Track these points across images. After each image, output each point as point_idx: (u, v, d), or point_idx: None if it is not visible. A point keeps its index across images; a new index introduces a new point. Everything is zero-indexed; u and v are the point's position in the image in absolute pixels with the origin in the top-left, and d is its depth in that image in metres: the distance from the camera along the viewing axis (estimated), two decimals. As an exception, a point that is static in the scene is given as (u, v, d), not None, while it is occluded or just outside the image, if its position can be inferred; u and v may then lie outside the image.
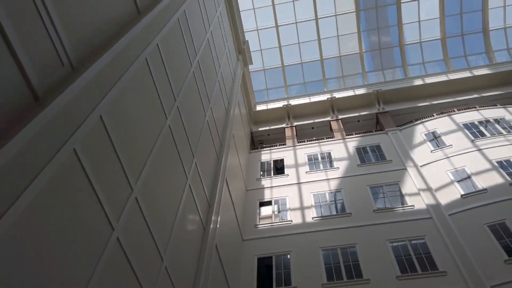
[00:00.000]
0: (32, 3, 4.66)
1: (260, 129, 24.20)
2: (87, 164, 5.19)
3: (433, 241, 14.32)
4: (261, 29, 25.24)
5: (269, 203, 18.09)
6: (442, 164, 17.65)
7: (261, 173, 20.24)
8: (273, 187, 18.88)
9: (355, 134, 21.79)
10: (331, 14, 25.15)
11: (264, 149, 22.08)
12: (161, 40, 9.00)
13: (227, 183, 14.20)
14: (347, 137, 21.55)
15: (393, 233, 15.04)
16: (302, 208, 17.28)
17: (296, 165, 20.14)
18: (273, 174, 19.98)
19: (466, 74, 23.73)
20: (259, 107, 25.01)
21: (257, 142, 24.25)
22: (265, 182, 19.37)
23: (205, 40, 13.84)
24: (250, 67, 24.09)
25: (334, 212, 16.79)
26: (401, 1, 24.83)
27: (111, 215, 5.68)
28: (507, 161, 16.38)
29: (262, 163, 20.92)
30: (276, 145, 22.25)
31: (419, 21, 25.46)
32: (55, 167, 4.42)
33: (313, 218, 16.56)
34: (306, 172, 19.43)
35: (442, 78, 23.82)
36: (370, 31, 26.15)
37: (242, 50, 22.13)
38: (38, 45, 4.72)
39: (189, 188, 9.75)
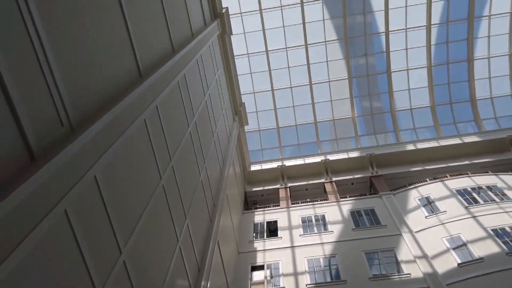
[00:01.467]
0: (37, 63, 4.83)
1: (254, 189, 24.07)
2: (77, 225, 5.05)
3: (432, 313, 13.68)
4: (258, 92, 26.13)
5: (261, 267, 17.44)
6: (437, 231, 17.43)
7: (254, 235, 19.77)
8: (266, 250, 18.34)
9: (349, 197, 21.71)
10: (325, 81, 26.24)
11: (258, 209, 21.78)
12: (161, 102, 9.24)
13: (219, 246, 13.79)
14: (341, 199, 21.43)
15: (390, 303, 14.40)
16: (295, 274, 16.65)
17: (290, 228, 19.76)
18: (266, 237, 19.51)
19: (457, 141, 24.30)
20: (254, 167, 25.09)
21: (250, 202, 23.99)
22: (258, 244, 18.85)
23: (203, 102, 14.23)
24: (246, 127, 24.55)
25: (328, 279, 16.17)
26: (391, 71, 26.10)
27: (96, 280, 5.42)
28: (502, 229, 16.23)
29: (255, 224, 20.52)
30: (270, 206, 22.00)
31: (408, 89, 26.58)
32: (44, 229, 4.29)
33: (307, 285, 15.90)
34: (300, 235, 19.01)
35: (433, 144, 24.34)
36: (362, 97, 27.13)
37: (238, 111, 22.69)
38: (40, 104, 4.81)
39: (179, 251, 9.43)
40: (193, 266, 10.63)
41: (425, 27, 25.25)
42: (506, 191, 18.87)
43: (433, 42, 25.70)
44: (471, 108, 26.50)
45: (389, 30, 25.22)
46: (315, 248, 17.95)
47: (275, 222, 20.52)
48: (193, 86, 12.92)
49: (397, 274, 15.75)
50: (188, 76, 12.35)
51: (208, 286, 11.06)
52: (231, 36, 21.45)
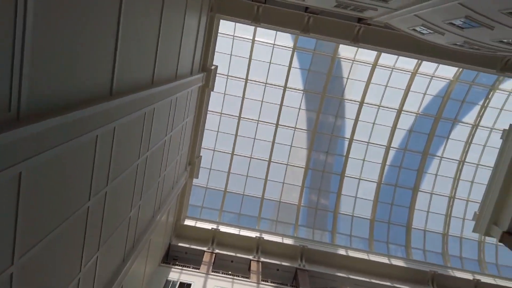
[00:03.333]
0: (12, 45, 4.73)
1: (180, 244, 23.05)
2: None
3: None
4: (218, 151, 26.32)
5: (157, 329, 16.08)
6: None
7: (163, 292, 18.52)
8: (169, 312, 17.08)
9: (271, 282, 21.21)
10: (284, 163, 26.99)
11: (176, 266, 20.68)
12: (120, 125, 9.09)
13: (122, 291, 12.74)
14: (262, 282, 20.88)
15: None
16: None
17: (202, 295, 18.74)
18: (174, 297, 18.31)
19: (384, 260, 25.02)
20: (188, 222, 24.29)
21: (171, 257, 22.80)
22: (163, 303, 17.58)
23: (161, 141, 14.10)
24: (195, 180, 24.21)
25: None
26: (345, 175, 27.39)
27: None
28: None
29: (168, 282, 19.32)
30: (190, 267, 20.98)
31: (355, 197, 27.74)
32: None
33: None
34: (209, 307, 18.00)
35: (363, 256, 24.88)
36: (312, 190, 27.91)
37: (193, 162, 22.55)
38: (-5, 85, 4.62)
39: (77, 282, 8.62)
40: (86, 304, 9.66)
41: (384, 147, 27.24)
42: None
43: (388, 162, 27.59)
44: (405, 234, 27.80)
45: (354, 138, 26.96)
46: (219, 325, 16.94)
47: (189, 285, 19.45)
48: (158, 123, 12.88)
49: None
50: (157, 112, 12.37)
51: (93, 331, 9.99)
52: (212, 92, 22.07)
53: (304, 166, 27.29)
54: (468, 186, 28.08)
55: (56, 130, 5.97)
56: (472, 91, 26.39)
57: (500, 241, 22.15)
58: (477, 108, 27.02)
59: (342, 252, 24.82)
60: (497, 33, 11.91)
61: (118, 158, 9.62)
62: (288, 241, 24.73)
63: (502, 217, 22.22)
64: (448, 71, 25.23)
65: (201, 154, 23.76)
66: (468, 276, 25.03)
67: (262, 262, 23.06)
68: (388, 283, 23.60)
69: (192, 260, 22.63)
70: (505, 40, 12.93)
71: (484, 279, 25.08)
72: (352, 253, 24.91)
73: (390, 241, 27.65)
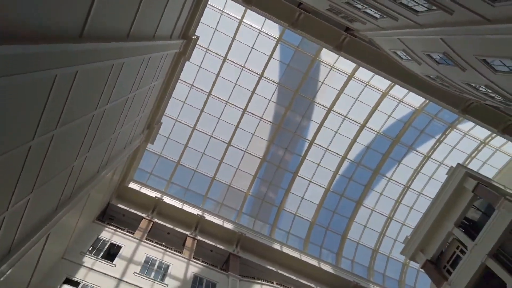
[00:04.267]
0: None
1: (119, 205, 22.60)
2: None
3: None
4: (180, 122, 25.89)
5: (76, 284, 15.75)
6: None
7: (90, 249, 18.12)
8: (92, 270, 16.77)
9: (202, 261, 21.38)
10: (242, 149, 27.07)
11: (110, 226, 20.29)
12: (83, 71, 8.67)
13: (47, 239, 12.34)
14: (193, 259, 20.99)
15: None
16: (106, 308, 15.30)
17: (130, 261, 18.55)
18: (101, 257, 17.97)
19: (315, 262, 25.95)
20: (133, 185, 23.82)
21: (108, 216, 22.33)
22: (88, 260, 17.22)
23: (124, 98, 13.63)
24: (149, 145, 23.71)
25: (134, 329, 15.08)
26: (298, 174, 27.96)
27: None
28: None
29: (98, 240, 18.92)
30: (124, 230, 20.66)
31: (302, 198, 28.44)
32: None
33: (110, 324, 14.63)
34: (134, 273, 17.87)
35: (296, 254, 25.66)
36: (263, 182, 28.27)
37: (152, 127, 22.04)
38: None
39: (1, 220, 8.22)
40: (6, 245, 9.26)
41: (340, 157, 28.03)
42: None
43: (340, 171, 28.46)
44: (339, 242, 28.95)
45: (314, 142, 27.51)
46: (141, 292, 16.89)
47: (119, 247, 19.17)
48: (124, 79, 12.42)
49: None
50: (126, 67, 11.91)
51: (8, 273, 9.62)
52: (187, 62, 21.58)
53: (261, 157, 27.53)
54: (406, 211, 29.63)
55: (7, 59, 5.59)
56: (432, 123, 27.69)
57: (422, 267, 23.67)
58: (432, 141, 28.42)
59: (277, 246, 25.44)
60: (467, 75, 12.51)
61: (74, 105, 9.20)
62: (228, 225, 24.98)
63: (429, 246, 23.70)
64: (415, 100, 26.25)
65: (162, 121, 23.26)
66: (386, 293, 26.57)
67: (198, 240, 23.15)
68: (313, 285, 24.53)
69: (128, 224, 22.30)
70: (472, 84, 13.62)
71: (399, 299, 26.72)
72: (286, 250, 25.59)
73: (324, 246, 28.67)
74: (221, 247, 23.64)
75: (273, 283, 22.20)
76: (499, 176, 27.26)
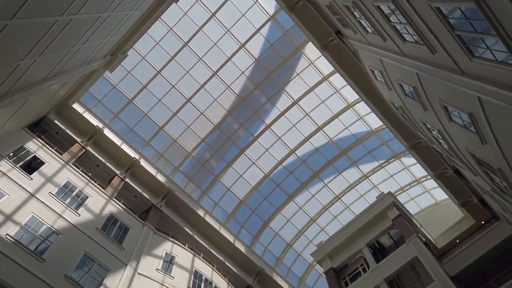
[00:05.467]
0: None
1: (56, 121, 21.41)
2: None
3: None
4: (148, 61, 24.81)
5: (-16, 184, 14.90)
6: (156, 286, 17.88)
7: (11, 154, 17.14)
8: (6, 176, 15.91)
9: (122, 203, 21.05)
10: (200, 110, 26.59)
11: (40, 139, 19.27)
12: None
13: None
14: (115, 199, 20.61)
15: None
16: (10, 217, 14.66)
17: (50, 179, 17.80)
18: (20, 166, 17.06)
19: (231, 238, 26.57)
20: (77, 106, 22.61)
21: (40, 128, 21.11)
22: (4, 165, 16.30)
23: (96, 15, 12.76)
24: (107, 73, 22.53)
25: (33, 247, 14.63)
26: (244, 152, 28.13)
27: None
28: (193, 323, 17.57)
29: (22, 148, 17.93)
30: (53, 148, 19.72)
31: (241, 176, 28.71)
32: None
33: (6, 234, 14.05)
34: (49, 193, 17.21)
35: (216, 225, 26.05)
36: (209, 148, 28.13)
37: (116, 56, 20.93)
38: None
39: None
40: None
41: (289, 150, 28.58)
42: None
43: (284, 163, 29.05)
44: (260, 227, 29.82)
45: (271, 127, 27.75)
46: (49, 213, 16.34)
47: (42, 163, 18.31)
48: (102, -5, 11.59)
49: (90, 291, 15.25)
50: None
51: None
52: (175, 3, 20.64)
53: (215, 124, 27.28)
54: (330, 219, 31.07)
55: None
56: (381, 148, 28.98)
57: (325, 273, 25.12)
58: (375, 164, 29.80)
59: (201, 213, 25.63)
60: (426, 116, 13.13)
61: (39, 2, 8.44)
62: (161, 178, 24.69)
63: (338, 256, 25.13)
64: (374, 121, 27.19)
65: (128, 53, 22.17)
66: (285, 285, 27.92)
67: (126, 182, 22.70)
68: (221, 258, 25.13)
69: (59, 143, 21.29)
70: (428, 126, 14.35)
71: (295, 294, 28.24)
72: (208, 219, 25.88)
73: (245, 226, 29.35)
74: (146, 196, 23.37)
75: (185, 245, 22.45)
76: (420, 215, 29.29)
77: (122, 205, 20.73)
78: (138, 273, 17.92)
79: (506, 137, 8.59)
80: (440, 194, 28.73)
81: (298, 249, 31.42)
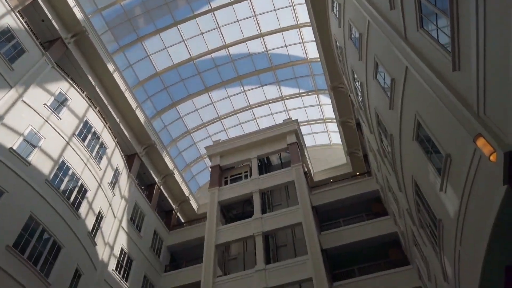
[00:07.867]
0: None
1: None
2: None
3: None
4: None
5: None
6: (39, 120, 16.96)
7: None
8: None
9: (25, 21, 18.47)
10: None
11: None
12: None
13: None
14: (17, 12, 17.91)
15: None
16: None
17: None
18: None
19: (134, 104, 25.68)
20: None
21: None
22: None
23: None
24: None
25: None
26: (177, 26, 26.25)
27: None
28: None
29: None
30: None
31: (165, 48, 27.09)
32: None
33: None
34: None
35: (122, 86, 24.61)
36: (144, 3, 25.55)
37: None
38: None
39: None
40: None
41: (224, 43, 27.54)
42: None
43: (213, 55, 28.12)
44: (167, 106, 29.48)
45: (214, 11, 26.05)
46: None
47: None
48: None
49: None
50: None
51: None
52: None
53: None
54: (235, 123, 32.06)
55: None
56: (306, 78, 29.83)
57: (211, 167, 26.68)
58: (295, 90, 30.75)
59: (110, 67, 23.72)
60: (358, 65, 13.53)
61: None
62: (78, 13, 21.78)
63: (228, 157, 26.67)
64: (312, 51, 27.10)
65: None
66: (170, 165, 28.87)
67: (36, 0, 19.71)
68: (117, 119, 24.34)
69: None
70: (355, 75, 14.94)
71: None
72: (116, 76, 24.19)
73: (152, 99, 28.57)
74: (56, 26, 20.68)
75: (83, 92, 21.20)
76: (312, 149, 31.92)
77: (25, 24, 18.23)
78: (23, 101, 16.63)
79: (409, 111, 9.39)
80: (336, 138, 31.37)
81: (195, 138, 32.26)
